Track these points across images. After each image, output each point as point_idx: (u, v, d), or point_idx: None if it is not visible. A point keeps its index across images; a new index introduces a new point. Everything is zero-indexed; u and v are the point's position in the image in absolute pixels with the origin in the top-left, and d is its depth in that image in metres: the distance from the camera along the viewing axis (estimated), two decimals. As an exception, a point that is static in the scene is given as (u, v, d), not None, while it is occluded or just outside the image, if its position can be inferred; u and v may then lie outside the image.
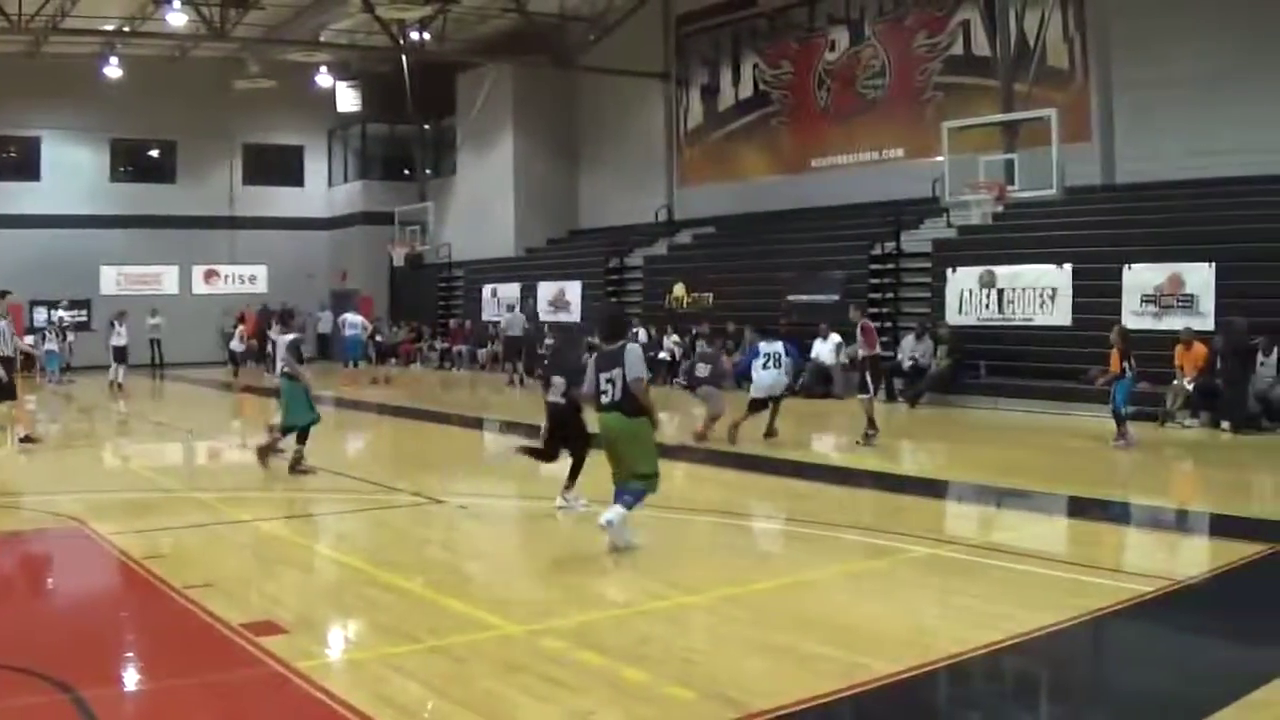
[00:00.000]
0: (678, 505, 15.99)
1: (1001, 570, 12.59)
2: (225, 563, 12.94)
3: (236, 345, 42.75)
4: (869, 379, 23.47)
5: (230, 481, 20.09)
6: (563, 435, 16.49)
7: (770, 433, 23.74)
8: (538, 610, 10.88)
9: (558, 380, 15.98)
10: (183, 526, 15.21)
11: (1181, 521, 16.66)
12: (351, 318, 45.49)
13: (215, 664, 9.44)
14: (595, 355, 14.25)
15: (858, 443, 23.05)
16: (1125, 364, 22.94)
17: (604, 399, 13.73)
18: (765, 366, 23.78)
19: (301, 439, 19.61)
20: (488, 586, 12.16)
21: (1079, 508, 16.57)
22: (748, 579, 12.13)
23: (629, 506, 13.43)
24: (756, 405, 23.82)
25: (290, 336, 20.21)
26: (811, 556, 13.47)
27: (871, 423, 23.20)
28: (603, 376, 13.71)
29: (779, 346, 24.02)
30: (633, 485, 13.61)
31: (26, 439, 23.47)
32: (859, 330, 23.84)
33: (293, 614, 10.63)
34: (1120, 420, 22.87)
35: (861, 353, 23.82)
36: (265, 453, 20.06)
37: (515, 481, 20.15)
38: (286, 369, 19.84)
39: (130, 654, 10.02)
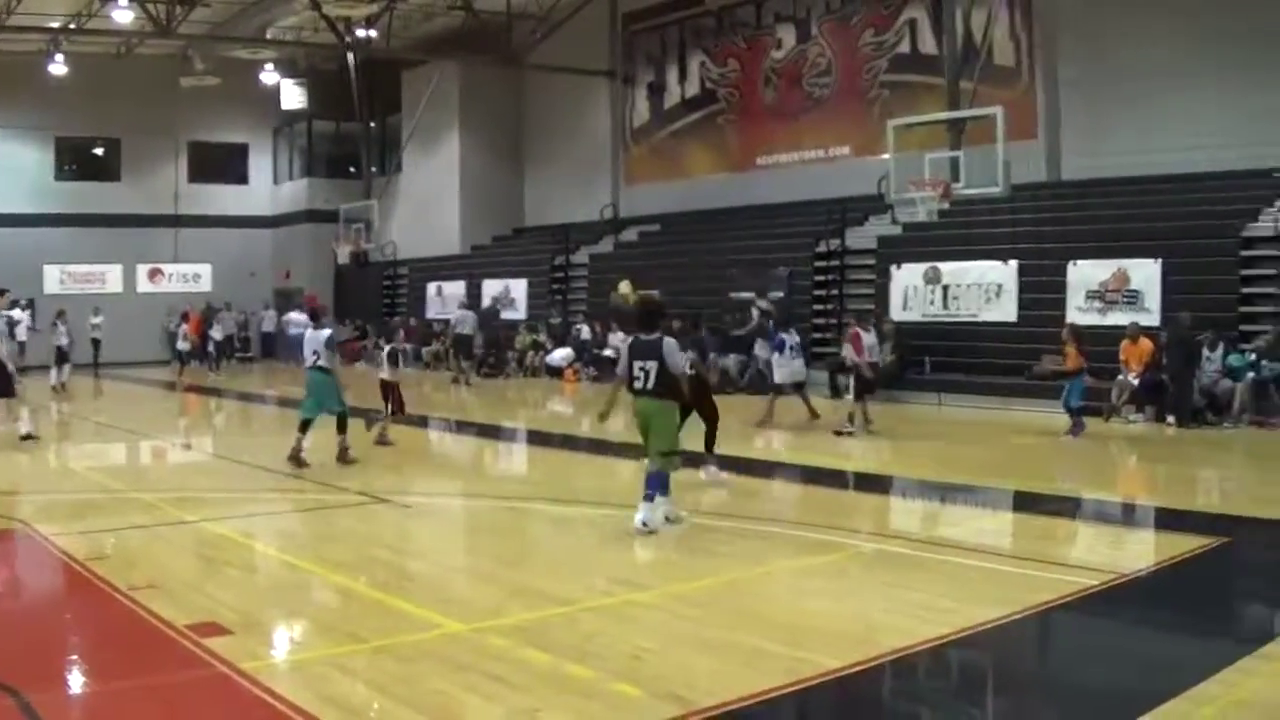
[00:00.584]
0: (624, 503, 15.96)
1: (949, 565, 12.60)
2: (169, 564, 12.82)
3: (182, 344, 42.55)
4: (853, 383, 24.87)
5: (175, 482, 20.01)
6: (697, 405, 17.43)
7: (814, 414, 26.01)
8: (483, 609, 10.80)
9: (689, 355, 16.36)
10: (126, 527, 15.05)
11: (1128, 515, 16.74)
12: (296, 316, 45.28)
13: (160, 666, 9.35)
14: (631, 342, 14.82)
15: (837, 433, 24.24)
16: (1082, 360, 23.72)
17: (637, 384, 14.45)
18: (793, 356, 25.94)
19: (303, 429, 20.33)
20: (433, 586, 12.06)
21: (1025, 502, 16.65)
22: (695, 576, 12.13)
23: (652, 500, 14.14)
24: (783, 391, 25.89)
25: (326, 332, 20.82)
26: (758, 553, 13.44)
27: (850, 419, 24.36)
28: (637, 364, 14.41)
29: (797, 337, 26.40)
30: (653, 469, 14.37)
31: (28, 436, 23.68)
32: (849, 337, 25.29)
33: (237, 615, 10.50)
34: (1075, 414, 23.42)
35: (852, 359, 24.95)
36: (383, 439, 22.75)
37: (460, 479, 20.16)
38: (322, 362, 20.46)
39: (76, 656, 9.85)
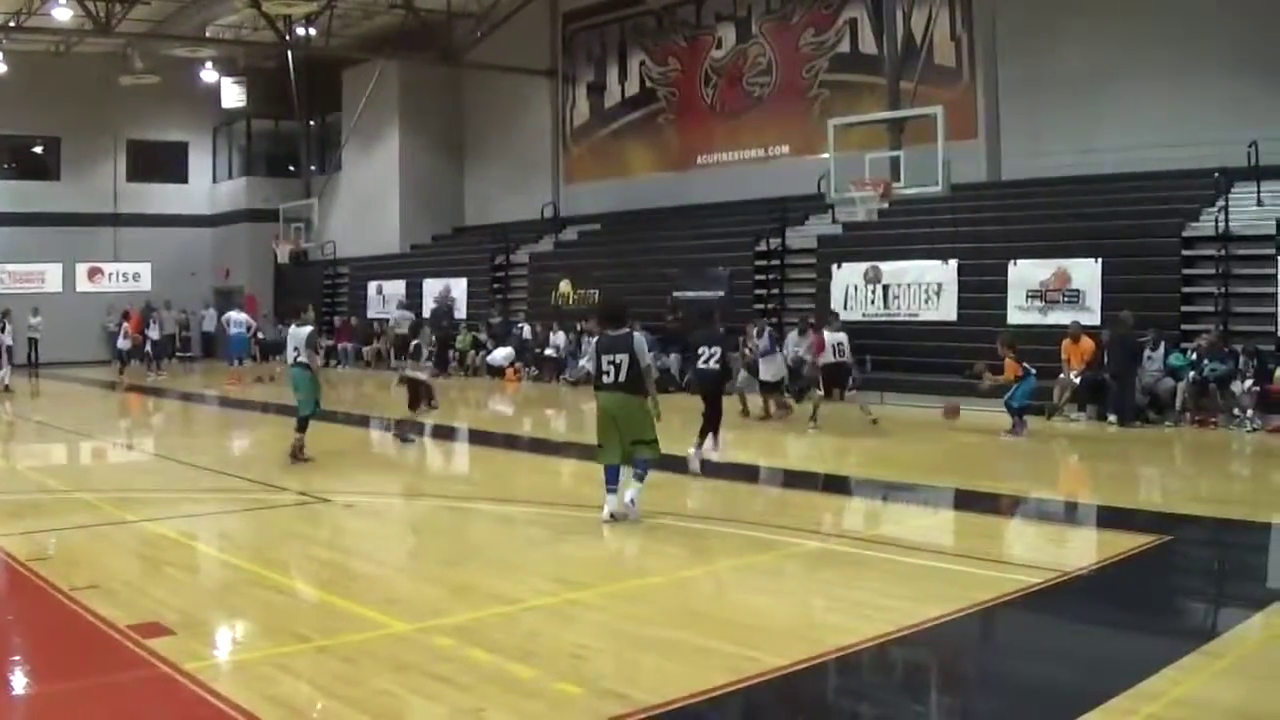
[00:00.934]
0: (566, 501, 15.97)
1: (891, 563, 12.68)
2: (111, 564, 12.75)
3: (123, 343, 42.31)
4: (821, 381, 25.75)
5: (116, 482, 19.89)
6: (714, 395, 19.26)
7: (767, 414, 27.40)
8: (425, 609, 10.81)
9: (712, 349, 17.36)
10: (68, 528, 14.98)
11: (1070, 514, 16.86)
12: (236, 316, 45.19)
13: (103, 666, 9.33)
14: (598, 339, 15.32)
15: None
16: (1023, 365, 24.13)
17: (605, 379, 14.76)
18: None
19: (302, 427, 20.73)
20: (375, 585, 12.02)
21: (967, 501, 16.79)
22: (635, 574, 12.20)
23: (641, 480, 14.81)
24: (772, 388, 27.23)
25: (307, 329, 21.12)
26: (700, 551, 13.49)
27: (814, 417, 25.13)
28: (605, 359, 14.75)
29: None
30: (640, 457, 14.81)
31: None
32: (812, 342, 27.20)
33: (180, 615, 10.46)
34: (1016, 414, 23.84)
35: (809, 358, 27.23)
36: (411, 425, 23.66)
37: (401, 479, 20.14)
38: (301, 359, 20.89)
39: (17, 657, 9.79)
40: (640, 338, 15.08)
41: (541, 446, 22.94)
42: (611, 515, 14.58)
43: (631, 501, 14.57)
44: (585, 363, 28.45)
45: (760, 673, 8.86)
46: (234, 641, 10.27)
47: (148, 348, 45.71)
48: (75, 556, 13.18)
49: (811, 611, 10.76)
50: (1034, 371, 24.22)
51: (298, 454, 20.45)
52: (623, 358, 14.60)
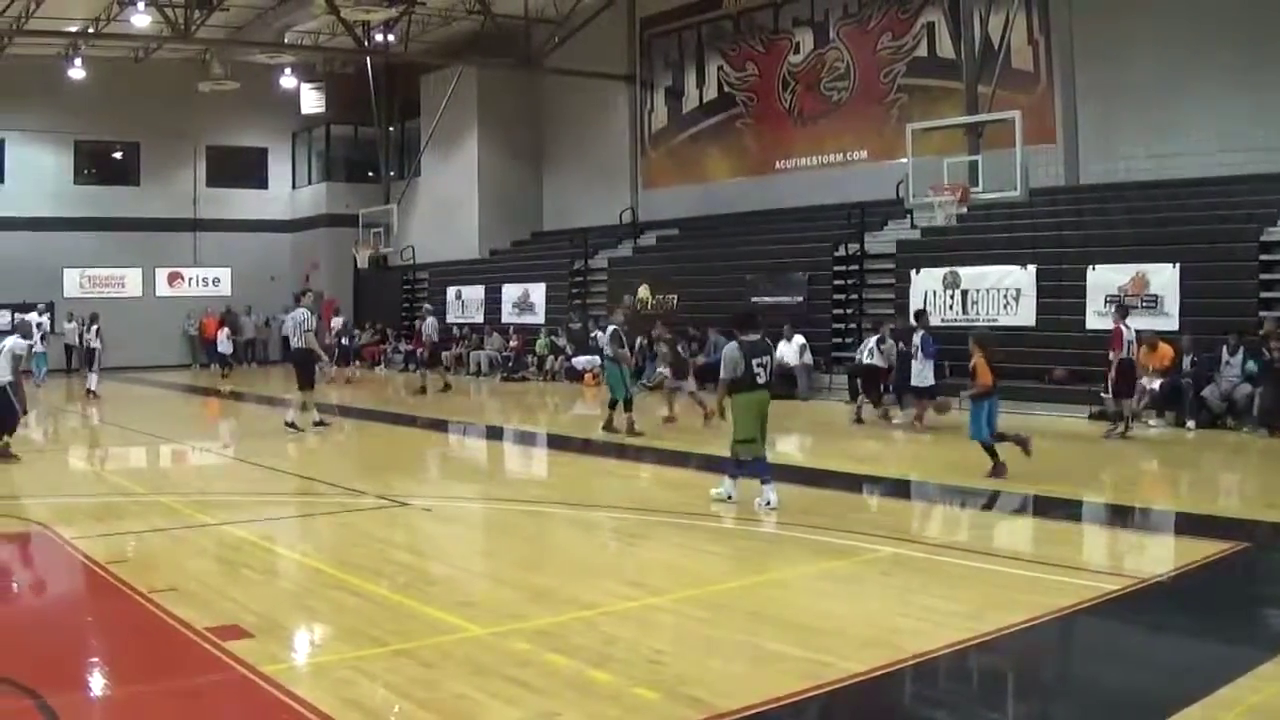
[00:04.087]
0: (642, 506, 15.98)
1: (965, 569, 12.65)
2: (190, 566, 12.84)
3: (225, 347, 41.71)
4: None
5: (194, 485, 20.03)
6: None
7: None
8: (503, 612, 10.85)
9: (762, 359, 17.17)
10: (147, 530, 15.14)
11: (1148, 520, 16.64)
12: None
13: (181, 669, 9.41)
14: (746, 344, 16.32)
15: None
16: (994, 372, 19.06)
17: (759, 380, 16.24)
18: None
19: (628, 407, 24.59)
20: (452, 588, 12.07)
21: (1043, 506, 16.59)
22: (711, 579, 12.15)
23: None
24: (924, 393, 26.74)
25: (612, 328, 25.11)
26: (775, 557, 13.49)
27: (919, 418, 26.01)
28: (754, 361, 16.15)
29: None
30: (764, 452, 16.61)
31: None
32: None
33: (258, 618, 10.55)
34: (988, 446, 18.95)
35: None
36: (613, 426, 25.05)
37: (479, 483, 20.19)
38: (610, 354, 24.88)
39: (96, 659, 9.87)
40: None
41: (617, 451, 22.88)
42: (730, 497, 16.23)
43: (769, 503, 15.80)
44: (663, 368, 28.48)
45: (838, 679, 8.84)
46: (312, 644, 10.32)
47: (228, 351, 45.85)
48: (154, 559, 13.35)
49: (886, 618, 10.67)
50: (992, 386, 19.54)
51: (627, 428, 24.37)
52: (767, 359, 16.50)
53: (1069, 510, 16.40)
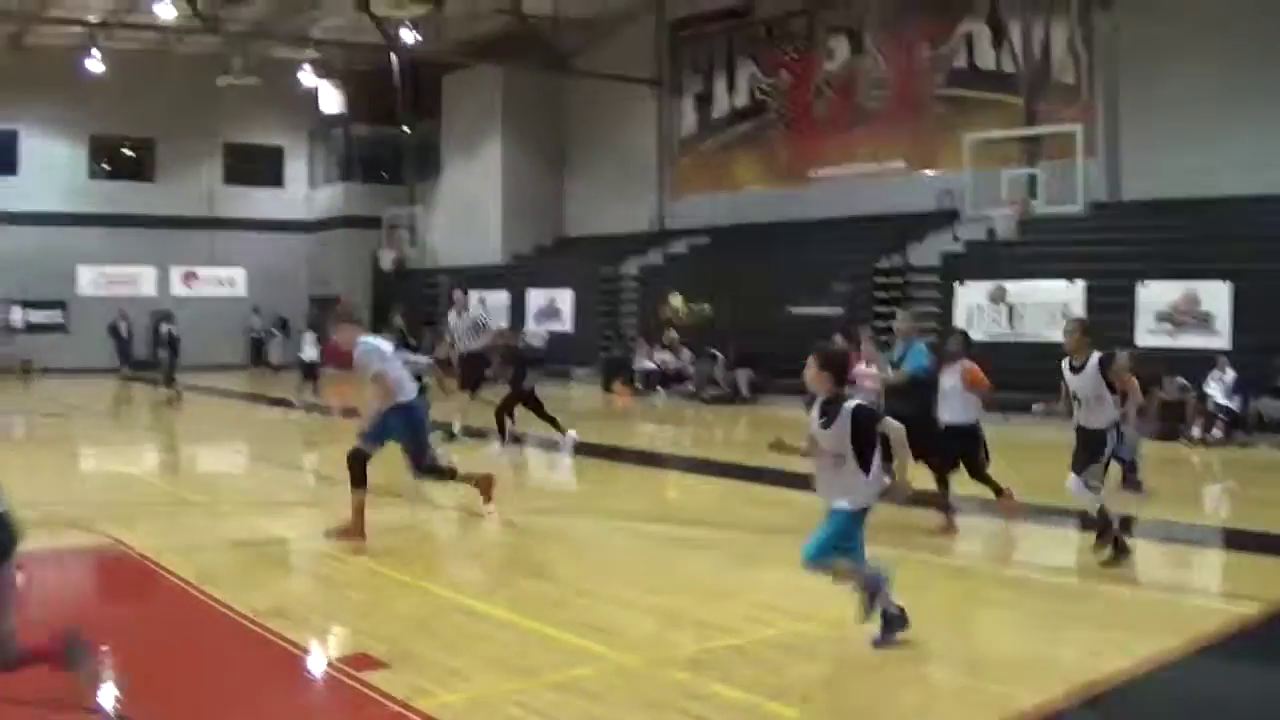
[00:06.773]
0: (736, 524, 15.60)
1: (1091, 595, 12.39)
2: (287, 586, 12.44)
3: (311, 354, 39.38)
4: None
5: (263, 494, 19.67)
6: None
7: None
8: (641, 638, 10.37)
9: None
10: (228, 544, 14.53)
11: (1246, 541, 16.12)
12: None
13: (332, 707, 9.02)
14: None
15: None
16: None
17: None
18: None
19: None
20: (572, 610, 11.42)
21: (1146, 529, 16.17)
22: (845, 603, 11.72)
23: None
24: None
25: None
26: (911, 579, 13.06)
27: None
28: None
29: None
30: None
31: None
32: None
33: (385, 645, 9.94)
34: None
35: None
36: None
37: (556, 497, 19.80)
38: None
39: (227, 694, 9.05)
40: None
41: (682, 464, 22.58)
42: None
43: None
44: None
45: (1028, 711, 8.56)
46: (455, 674, 9.42)
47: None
48: (247, 578, 12.63)
49: (1037, 644, 10.34)
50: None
51: None
52: None
53: (1168, 531, 16.28)
